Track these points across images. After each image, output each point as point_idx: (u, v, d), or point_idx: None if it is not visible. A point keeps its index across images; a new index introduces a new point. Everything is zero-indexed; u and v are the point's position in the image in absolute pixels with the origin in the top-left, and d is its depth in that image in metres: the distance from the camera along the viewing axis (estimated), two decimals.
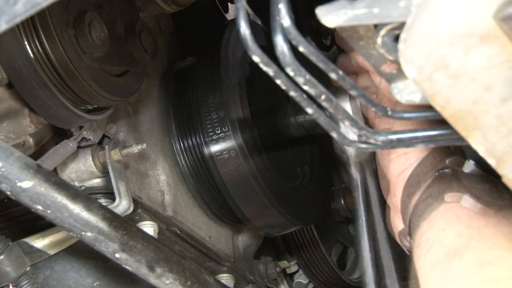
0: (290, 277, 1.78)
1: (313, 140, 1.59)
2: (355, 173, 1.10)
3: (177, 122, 1.27)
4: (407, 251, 0.89)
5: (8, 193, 0.73)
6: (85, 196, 0.80)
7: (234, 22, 1.32)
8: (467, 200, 0.76)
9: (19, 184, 0.72)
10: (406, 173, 0.86)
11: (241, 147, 1.16)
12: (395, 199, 0.88)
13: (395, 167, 0.88)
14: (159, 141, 1.25)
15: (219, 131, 1.17)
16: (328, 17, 0.47)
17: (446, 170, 0.81)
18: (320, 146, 1.62)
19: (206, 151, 1.19)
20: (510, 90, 0.45)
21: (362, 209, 1.05)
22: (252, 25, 1.36)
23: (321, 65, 0.48)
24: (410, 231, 0.82)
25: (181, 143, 1.26)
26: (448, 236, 0.74)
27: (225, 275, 1.35)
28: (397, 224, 0.90)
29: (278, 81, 0.48)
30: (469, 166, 0.80)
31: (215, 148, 1.18)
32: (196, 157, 1.25)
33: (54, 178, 0.76)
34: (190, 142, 1.25)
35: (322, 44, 1.70)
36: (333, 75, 0.49)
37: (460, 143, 0.54)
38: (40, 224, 1.08)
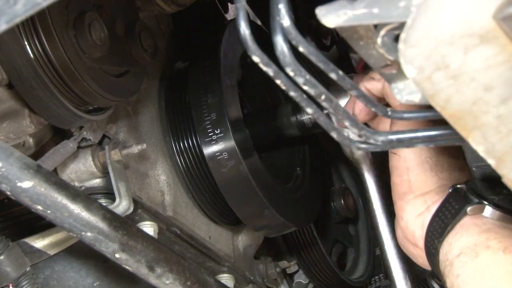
0: (290, 277, 1.78)
1: (308, 140, 1.59)
2: (368, 175, 1.10)
3: (176, 123, 1.27)
4: None
5: (8, 193, 0.73)
6: (85, 196, 0.80)
7: (228, 24, 1.33)
8: (490, 211, 0.77)
9: (19, 184, 0.72)
10: (424, 217, 0.86)
11: (233, 149, 1.17)
12: (413, 239, 0.88)
13: (412, 209, 0.88)
14: (159, 141, 1.25)
15: (212, 133, 1.18)
16: (328, 17, 0.47)
17: (460, 186, 0.82)
18: (316, 147, 1.62)
19: (202, 152, 1.20)
20: (510, 90, 0.45)
21: (379, 207, 1.06)
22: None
23: (321, 65, 0.48)
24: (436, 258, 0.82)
25: (180, 144, 1.26)
26: (489, 239, 0.74)
27: (225, 275, 1.35)
28: (412, 251, 0.90)
29: (278, 81, 0.48)
30: (488, 210, 0.79)
31: (210, 149, 1.18)
32: (194, 158, 1.25)
33: (54, 178, 0.76)
34: (188, 142, 1.25)
35: (322, 44, 1.70)
36: (333, 76, 0.49)
37: (460, 143, 0.54)
38: (40, 224, 1.08)
